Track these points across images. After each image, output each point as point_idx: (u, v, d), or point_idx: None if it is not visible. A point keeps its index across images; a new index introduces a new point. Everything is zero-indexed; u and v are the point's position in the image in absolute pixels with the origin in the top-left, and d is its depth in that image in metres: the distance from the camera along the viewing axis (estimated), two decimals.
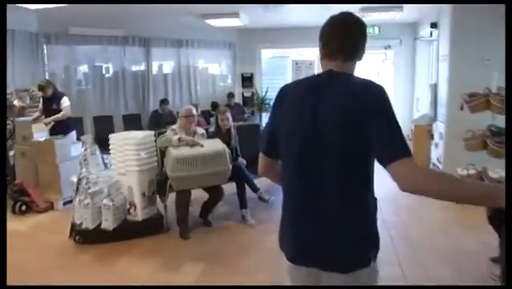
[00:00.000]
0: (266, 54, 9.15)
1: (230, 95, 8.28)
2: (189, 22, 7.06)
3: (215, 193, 4.24)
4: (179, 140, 4.00)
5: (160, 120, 7.34)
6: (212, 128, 4.76)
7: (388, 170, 1.26)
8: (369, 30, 8.01)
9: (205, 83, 8.56)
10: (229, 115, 4.66)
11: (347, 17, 1.46)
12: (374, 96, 1.33)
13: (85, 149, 4.26)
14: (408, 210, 4.88)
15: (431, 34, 6.76)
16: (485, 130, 5.32)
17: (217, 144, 4.12)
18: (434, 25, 6.33)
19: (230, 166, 4.02)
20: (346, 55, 1.42)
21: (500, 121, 5.25)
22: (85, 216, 3.76)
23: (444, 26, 5.92)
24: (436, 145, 6.28)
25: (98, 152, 4.27)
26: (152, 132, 4.16)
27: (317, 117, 1.34)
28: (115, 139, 3.92)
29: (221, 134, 4.58)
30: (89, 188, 3.98)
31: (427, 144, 6.21)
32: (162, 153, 4.34)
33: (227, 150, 4.06)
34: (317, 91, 1.39)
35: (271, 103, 8.35)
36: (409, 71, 8.34)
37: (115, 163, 3.95)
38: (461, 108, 5.50)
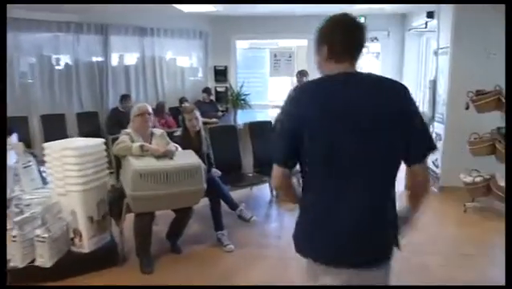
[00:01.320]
0: (241, 45, 8.30)
1: (207, 91, 7.41)
2: (155, 7, 6.13)
3: (183, 213, 3.41)
4: (141, 148, 3.16)
5: (122, 119, 6.33)
6: (178, 132, 3.91)
7: (412, 169, 1.47)
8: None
9: (173, 76, 7.63)
10: (198, 114, 3.87)
11: (348, 18, 1.50)
12: (407, 97, 1.47)
13: (16, 161, 3.34)
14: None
15: (426, 24, 6.12)
16: (494, 133, 4.74)
17: (189, 157, 3.30)
18: (431, 14, 5.68)
19: (205, 185, 3.20)
20: (353, 58, 1.49)
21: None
22: (13, 251, 2.85)
23: (445, 15, 5.27)
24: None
25: (33, 163, 3.35)
26: (101, 141, 3.25)
27: (351, 118, 1.39)
28: (50, 149, 3.00)
29: (189, 138, 3.82)
30: (21, 211, 3.08)
31: None
32: (118, 162, 3.47)
33: (202, 165, 3.25)
34: (345, 92, 1.44)
35: (247, 98, 7.71)
36: (397, 66, 7.71)
37: (52, 180, 3.04)
38: (467, 108, 4.87)
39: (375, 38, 7.67)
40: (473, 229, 4.26)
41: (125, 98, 6.48)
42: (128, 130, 3.43)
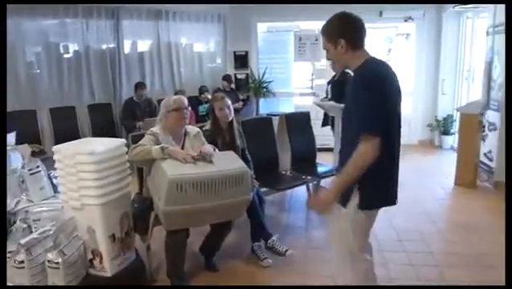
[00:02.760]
0: (262, 28, 7.67)
1: (227, 78, 6.81)
2: None
3: (222, 226, 2.88)
4: (162, 150, 2.59)
5: (136, 111, 5.87)
6: (207, 126, 3.36)
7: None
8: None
9: (191, 63, 7.03)
10: (229, 102, 3.29)
11: (351, 14, 1.94)
12: None
13: (22, 166, 2.81)
14: None
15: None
16: None
17: (233, 160, 2.72)
18: None
19: (252, 194, 2.65)
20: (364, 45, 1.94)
21: None
22: (20, 280, 2.34)
23: None
24: (484, 138, 5.06)
25: (42, 168, 2.82)
26: (123, 141, 2.67)
27: (399, 94, 1.93)
28: (61, 154, 2.45)
29: (221, 132, 3.27)
30: (29, 227, 2.58)
31: (476, 136, 4.96)
32: (139, 170, 2.95)
33: (249, 171, 2.70)
34: (392, 71, 1.92)
35: (270, 86, 7.09)
36: (433, 49, 7.04)
37: (64, 192, 2.51)
38: None
39: (410, 18, 7.00)
40: None
41: (140, 86, 5.93)
42: (155, 129, 2.83)
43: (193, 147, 2.84)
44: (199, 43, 7.22)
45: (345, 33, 1.84)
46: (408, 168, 5.87)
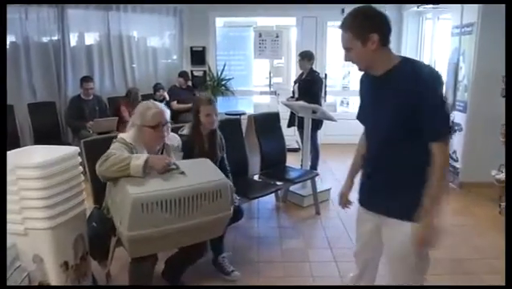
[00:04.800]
0: (219, 23, 7.31)
1: (183, 75, 6.37)
2: None
3: (195, 248, 2.51)
4: (145, 167, 2.08)
5: (85, 110, 5.30)
6: (185, 130, 2.95)
7: None
8: None
9: (144, 59, 6.51)
10: (217, 108, 2.92)
11: (376, 8, 1.69)
12: None
13: None
14: None
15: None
16: None
17: (208, 170, 2.32)
18: None
19: (232, 209, 2.30)
20: None
21: None
22: None
23: None
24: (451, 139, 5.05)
25: None
26: (75, 150, 2.24)
27: None
28: None
29: (200, 139, 2.88)
30: None
31: None
32: (95, 177, 2.48)
33: (229, 182, 2.31)
34: None
35: (229, 84, 6.77)
36: (394, 47, 6.99)
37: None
38: (504, 95, 4.31)
39: None
40: None
41: (86, 79, 5.33)
42: (128, 138, 2.28)
43: (172, 157, 2.42)
44: (153, 37, 6.72)
45: (378, 27, 1.62)
46: None
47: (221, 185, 2.18)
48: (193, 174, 2.17)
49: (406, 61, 1.68)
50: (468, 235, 3.64)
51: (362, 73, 1.84)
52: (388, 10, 6.58)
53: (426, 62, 6.48)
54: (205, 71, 7.05)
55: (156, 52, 6.71)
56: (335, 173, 5.32)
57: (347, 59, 1.70)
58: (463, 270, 3.06)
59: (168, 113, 2.37)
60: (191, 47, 6.93)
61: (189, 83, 6.55)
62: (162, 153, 2.40)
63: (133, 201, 1.91)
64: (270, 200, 4.27)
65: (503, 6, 4.23)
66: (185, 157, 2.64)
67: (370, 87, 1.77)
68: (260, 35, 6.74)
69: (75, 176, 2.19)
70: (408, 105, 1.59)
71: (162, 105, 2.39)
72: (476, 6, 4.46)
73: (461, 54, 4.81)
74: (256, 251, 3.27)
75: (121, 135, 2.31)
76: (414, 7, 6.22)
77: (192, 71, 6.95)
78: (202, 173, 2.24)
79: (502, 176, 4.20)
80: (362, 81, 1.87)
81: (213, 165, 2.39)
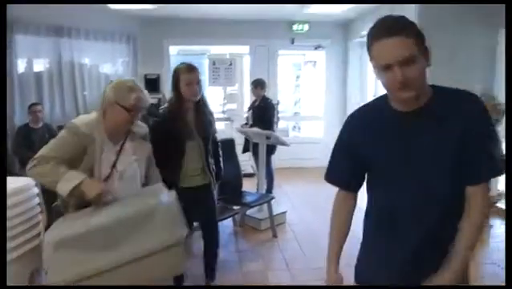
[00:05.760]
0: (173, 51, 7.41)
1: None
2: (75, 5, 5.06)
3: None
4: (72, 192, 1.78)
5: (33, 139, 5.13)
6: (164, 106, 2.69)
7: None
8: (299, 27, 6.94)
9: (97, 86, 6.45)
10: (200, 76, 2.58)
11: None
12: None
13: None
14: None
15: None
16: None
17: (148, 194, 1.98)
18: None
19: (184, 231, 1.85)
20: None
21: None
22: None
23: None
24: None
25: None
26: (31, 181, 2.18)
27: None
28: None
29: (183, 115, 2.52)
30: None
31: None
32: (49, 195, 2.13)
33: (166, 201, 1.83)
34: None
35: None
36: (340, 77, 7.43)
37: None
38: None
39: (320, 46, 7.32)
40: None
41: (33, 107, 5.18)
42: (88, 125, 1.90)
43: (135, 152, 2.06)
44: (106, 64, 6.67)
45: (424, 42, 1.22)
46: (326, 190, 6.02)
47: (150, 209, 1.77)
48: (129, 203, 1.87)
49: (447, 90, 1.30)
50: None
51: (354, 112, 1.43)
52: (334, 40, 7.05)
53: (370, 91, 6.91)
54: (159, 99, 7.06)
55: (108, 79, 6.65)
56: (291, 196, 5.46)
57: (398, 78, 1.16)
58: None
59: (148, 99, 2.02)
60: (145, 75, 6.94)
61: (144, 111, 6.52)
62: (124, 143, 2.02)
63: (46, 244, 1.68)
64: (228, 224, 4.31)
65: (435, 36, 4.69)
66: (165, 138, 2.39)
67: (392, 129, 1.29)
68: (214, 63, 6.88)
69: (30, 208, 2.14)
70: (457, 144, 1.22)
71: (144, 90, 2.02)
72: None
73: None
74: (217, 276, 3.29)
75: (78, 119, 1.96)
76: (358, 38, 6.64)
77: None
78: (140, 201, 1.89)
79: None
80: (365, 122, 1.37)
81: (159, 189, 1.98)
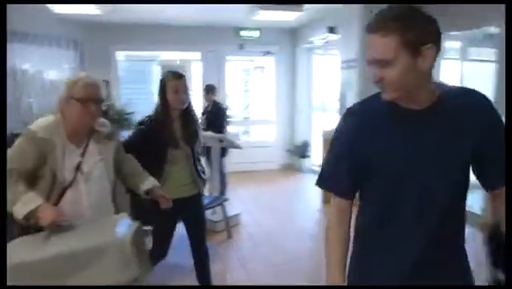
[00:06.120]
0: (120, 56, 7.32)
1: None
2: (18, 7, 4.88)
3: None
4: (28, 216, 1.68)
5: None
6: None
7: None
8: (248, 34, 7.11)
9: (41, 93, 6.24)
10: (187, 84, 2.51)
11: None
12: None
13: None
14: None
15: (325, 40, 6.17)
16: None
17: (106, 226, 1.81)
18: (332, 30, 5.71)
19: (136, 274, 1.71)
20: None
21: None
22: None
23: (349, 30, 5.32)
24: None
25: None
26: None
27: None
28: None
29: (169, 124, 2.45)
30: None
31: None
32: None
33: (126, 239, 1.69)
34: None
35: (130, 118, 6.79)
36: (289, 80, 7.69)
37: None
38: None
39: (268, 52, 7.53)
40: None
41: None
42: (46, 129, 1.80)
43: (100, 152, 1.96)
44: (51, 71, 6.47)
45: (438, 37, 1.12)
46: (278, 191, 6.21)
47: (105, 247, 1.66)
48: (84, 234, 1.74)
49: (444, 86, 1.25)
50: None
51: (353, 109, 1.32)
52: (282, 47, 7.29)
53: (317, 95, 7.21)
54: (108, 105, 6.93)
55: (54, 87, 6.45)
56: (244, 199, 5.58)
57: (374, 78, 1.15)
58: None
59: (101, 89, 1.91)
60: None
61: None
62: (88, 144, 1.93)
63: (9, 267, 1.55)
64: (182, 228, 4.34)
65: None
66: (149, 147, 2.35)
67: (400, 129, 1.21)
68: (164, 69, 6.88)
69: None
70: (471, 147, 1.18)
71: (99, 80, 1.95)
72: (357, 42, 5.17)
73: (347, 85, 5.50)
74: (179, 279, 3.32)
75: (34, 124, 1.83)
76: (306, 44, 6.92)
77: None
78: (95, 233, 1.76)
79: None
80: (369, 119, 1.25)
81: (122, 222, 1.83)
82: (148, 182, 2.17)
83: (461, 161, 1.19)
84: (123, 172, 2.14)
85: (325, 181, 1.36)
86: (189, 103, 2.51)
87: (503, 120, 1.22)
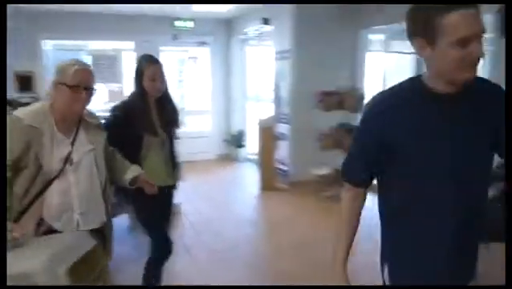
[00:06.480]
0: (49, 45, 6.93)
1: (12, 104, 5.80)
2: None
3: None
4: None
5: None
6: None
7: None
8: (184, 24, 7.08)
9: None
10: (164, 70, 2.44)
11: None
12: None
13: None
14: None
15: (260, 31, 6.33)
16: (338, 129, 5.22)
17: (47, 252, 1.58)
18: (266, 21, 5.88)
19: None
20: None
21: (352, 120, 5.23)
22: None
23: (283, 21, 5.53)
24: (278, 147, 5.91)
25: None
26: None
27: None
28: None
29: (146, 112, 2.37)
30: None
31: (273, 145, 5.76)
32: None
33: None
34: None
35: None
36: (224, 71, 7.78)
37: None
38: (318, 107, 5.20)
39: (204, 43, 7.55)
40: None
41: None
42: (34, 116, 1.73)
43: (91, 141, 1.90)
44: None
45: None
46: (217, 181, 6.32)
47: (31, 274, 1.48)
48: (26, 256, 1.58)
49: None
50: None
51: (378, 100, 1.30)
52: (218, 38, 7.33)
53: (252, 85, 7.38)
54: (34, 97, 6.55)
55: None
56: (184, 189, 5.60)
57: (480, 54, 1.11)
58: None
59: (92, 76, 1.84)
60: (16, 72, 6.38)
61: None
62: (78, 133, 1.86)
63: None
64: (124, 220, 4.30)
65: (313, 34, 5.28)
66: (126, 135, 2.25)
67: (432, 112, 1.20)
68: (96, 59, 6.66)
69: None
70: (493, 130, 1.22)
71: (90, 66, 1.90)
72: (290, 34, 5.39)
73: (281, 75, 5.72)
74: (124, 275, 3.29)
75: (19, 111, 1.75)
76: (241, 35, 7.05)
77: (18, 99, 6.38)
78: (32, 256, 1.57)
79: (321, 171, 5.17)
80: (397, 108, 1.23)
81: (60, 246, 1.65)
82: (132, 171, 2.10)
83: (489, 143, 1.22)
84: (110, 165, 2.05)
85: (346, 172, 1.38)
86: (166, 90, 2.46)
87: None
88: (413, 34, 1.15)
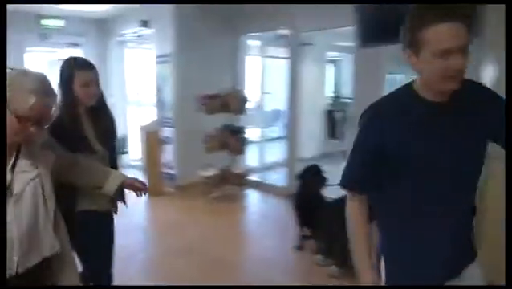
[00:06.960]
0: None
1: None
2: None
3: None
4: None
5: None
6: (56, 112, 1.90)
7: None
8: (53, 23, 6.57)
9: None
10: (97, 75, 2.11)
11: None
12: None
13: None
14: None
15: (138, 34, 6.18)
16: (222, 131, 5.39)
17: None
18: (145, 23, 5.78)
19: None
20: None
21: (235, 121, 5.46)
22: None
23: (163, 25, 5.52)
24: (163, 151, 5.88)
25: None
26: None
27: None
28: None
29: (77, 122, 2.02)
30: None
31: (158, 149, 5.69)
32: None
33: None
34: None
35: None
36: (101, 74, 7.32)
37: None
38: (202, 110, 5.28)
39: (75, 44, 7.08)
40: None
41: None
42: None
43: (35, 164, 1.49)
44: None
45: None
46: None
47: None
48: None
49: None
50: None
51: (374, 109, 1.35)
52: (91, 39, 6.94)
53: (132, 89, 7.18)
54: None
55: None
56: None
57: (460, 66, 1.16)
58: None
59: (52, 107, 1.48)
60: None
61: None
62: (18, 154, 1.45)
63: None
64: None
65: (196, 38, 5.38)
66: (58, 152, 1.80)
67: (427, 121, 1.27)
68: None
69: None
70: (487, 131, 1.30)
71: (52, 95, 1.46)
72: (171, 38, 5.39)
73: (163, 79, 5.70)
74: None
75: None
76: (118, 37, 6.78)
77: None
78: None
79: (208, 173, 5.30)
80: (393, 116, 1.29)
81: None
82: (113, 179, 1.91)
83: (483, 144, 1.32)
84: (74, 175, 1.80)
85: (349, 180, 1.40)
86: (101, 97, 2.12)
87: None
88: (404, 45, 1.24)
